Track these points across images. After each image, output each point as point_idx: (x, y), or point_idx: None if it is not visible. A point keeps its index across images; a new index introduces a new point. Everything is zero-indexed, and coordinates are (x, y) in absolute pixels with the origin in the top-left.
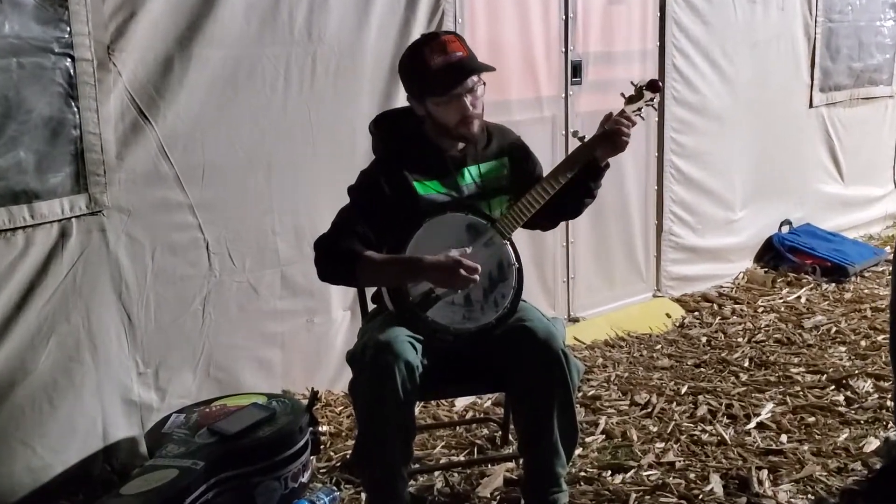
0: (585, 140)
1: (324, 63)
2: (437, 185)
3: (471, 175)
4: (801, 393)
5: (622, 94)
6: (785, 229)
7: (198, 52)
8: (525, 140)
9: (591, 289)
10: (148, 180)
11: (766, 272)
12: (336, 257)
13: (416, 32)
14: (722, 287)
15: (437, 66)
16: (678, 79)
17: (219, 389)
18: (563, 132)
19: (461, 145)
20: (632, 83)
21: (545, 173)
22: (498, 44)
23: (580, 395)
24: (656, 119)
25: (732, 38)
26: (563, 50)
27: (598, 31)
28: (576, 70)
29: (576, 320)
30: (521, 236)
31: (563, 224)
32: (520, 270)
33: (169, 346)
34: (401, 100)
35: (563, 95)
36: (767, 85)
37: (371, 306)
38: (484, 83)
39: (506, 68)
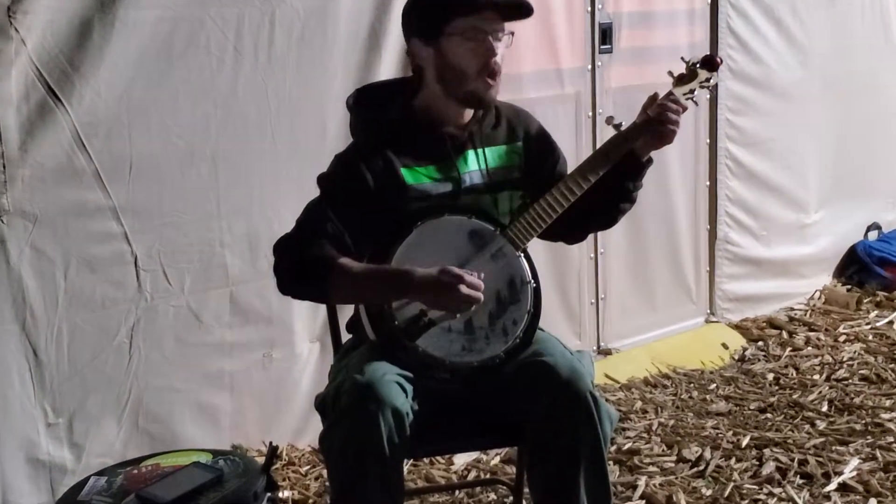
0: (623, 128)
1: (285, 28)
2: (431, 171)
3: (476, 160)
4: (895, 445)
5: (670, 73)
6: (873, 235)
7: (123, 13)
8: (543, 123)
9: (626, 312)
10: (59, 177)
11: (848, 290)
12: (302, 264)
13: None
14: (793, 310)
15: None
16: (735, 45)
17: (150, 445)
18: (590, 113)
19: (463, 120)
20: (682, 59)
21: (569, 169)
22: None
23: (613, 448)
24: (708, 97)
25: None
26: (589, 9)
27: None
28: (605, 35)
29: (607, 353)
30: (537, 245)
31: None
32: (537, 290)
33: (87, 390)
34: (383, 74)
35: (590, 67)
36: (849, 52)
37: (346, 337)
38: (512, 34)
39: (516, 33)
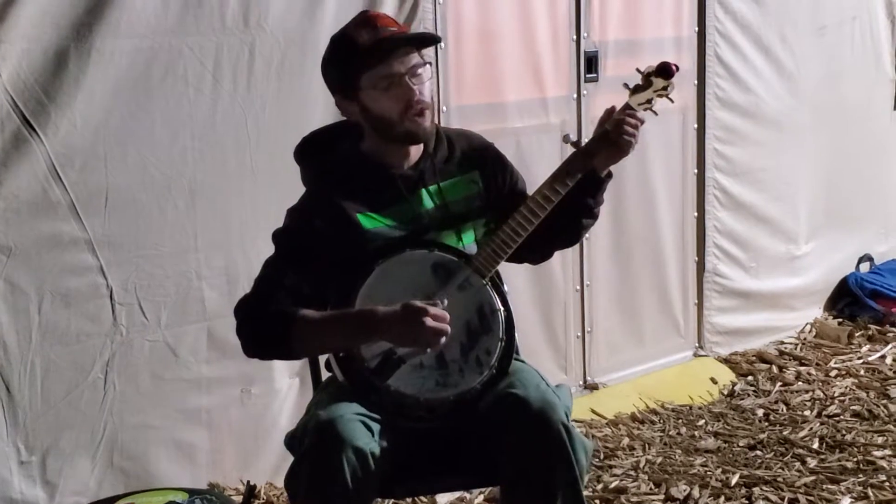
0: (581, 145)
1: (265, 57)
2: (388, 215)
3: (430, 197)
4: (888, 483)
5: (625, 85)
6: (864, 267)
7: (100, 43)
8: (526, 154)
9: (613, 346)
10: (34, 209)
11: (840, 323)
12: (263, 323)
13: None
14: (783, 343)
15: (365, 43)
16: (723, 74)
17: (125, 483)
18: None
19: (414, 158)
20: (637, 70)
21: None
22: (490, 31)
23: (599, 487)
24: (695, 126)
25: (793, 22)
26: (575, 38)
27: (620, 12)
28: (591, 63)
29: (594, 387)
30: (519, 275)
31: (576, 261)
32: (508, 317)
33: (60, 427)
34: None
35: (575, 96)
36: (839, 81)
37: (325, 374)
38: (430, 64)
39: (501, 62)
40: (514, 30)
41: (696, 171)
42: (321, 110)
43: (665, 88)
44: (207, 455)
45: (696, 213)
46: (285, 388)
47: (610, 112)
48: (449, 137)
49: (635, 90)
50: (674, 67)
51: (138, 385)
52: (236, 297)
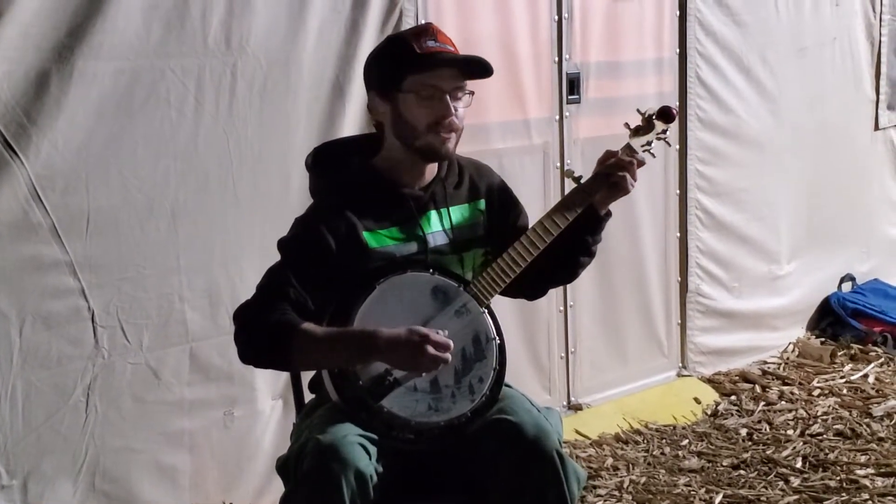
0: (582, 181)
1: (247, 79)
2: (394, 233)
3: (439, 220)
4: (870, 502)
5: (626, 125)
6: (846, 287)
7: (82, 65)
8: (509, 175)
9: (596, 366)
10: (15, 232)
11: (822, 343)
12: (264, 332)
13: (367, 39)
14: (766, 363)
15: (425, 49)
16: (704, 95)
17: None
18: (558, 165)
19: (426, 180)
20: (638, 111)
21: (533, 221)
22: (472, 51)
23: None
24: (677, 147)
25: (774, 43)
26: (557, 59)
27: (602, 34)
28: (573, 85)
29: (577, 408)
30: (503, 298)
31: None
32: (501, 346)
33: (42, 450)
34: (347, 126)
35: (557, 117)
36: (820, 102)
37: (308, 395)
38: (472, 93)
39: (483, 83)
40: (496, 51)
41: (678, 191)
42: (303, 133)
43: (664, 132)
44: (190, 478)
45: (678, 234)
46: (268, 410)
47: (610, 153)
48: (460, 164)
49: (636, 132)
50: (674, 111)
51: (120, 408)
52: (219, 319)
